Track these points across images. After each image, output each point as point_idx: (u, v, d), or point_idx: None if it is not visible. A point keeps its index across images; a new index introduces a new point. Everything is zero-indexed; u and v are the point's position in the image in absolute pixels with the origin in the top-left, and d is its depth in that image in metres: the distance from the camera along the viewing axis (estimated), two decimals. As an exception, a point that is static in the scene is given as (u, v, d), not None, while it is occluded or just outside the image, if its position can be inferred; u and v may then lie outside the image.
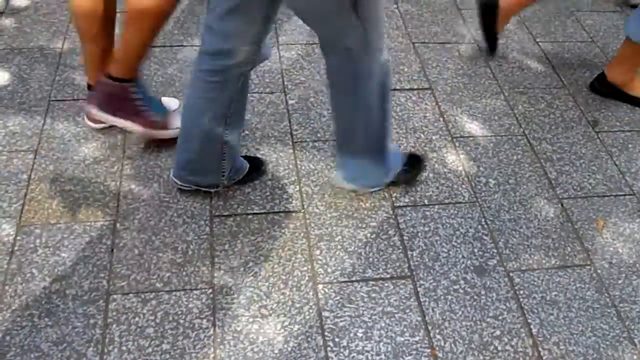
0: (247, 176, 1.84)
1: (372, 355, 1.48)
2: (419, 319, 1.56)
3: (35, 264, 1.60)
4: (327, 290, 1.60)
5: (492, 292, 1.64)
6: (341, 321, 1.54)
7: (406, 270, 1.67)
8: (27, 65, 2.23)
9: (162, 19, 1.64)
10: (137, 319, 1.50)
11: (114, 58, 1.76)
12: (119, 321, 1.50)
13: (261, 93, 2.19)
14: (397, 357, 1.48)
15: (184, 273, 1.61)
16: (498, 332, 1.55)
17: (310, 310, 1.56)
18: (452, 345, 1.51)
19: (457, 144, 2.07)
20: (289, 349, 1.47)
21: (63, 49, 2.31)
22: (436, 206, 1.85)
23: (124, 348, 1.44)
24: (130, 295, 1.55)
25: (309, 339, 1.50)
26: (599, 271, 1.72)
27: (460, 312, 1.59)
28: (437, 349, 1.50)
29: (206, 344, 1.47)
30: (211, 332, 1.49)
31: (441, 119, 2.16)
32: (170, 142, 1.87)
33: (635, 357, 1.53)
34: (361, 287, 1.62)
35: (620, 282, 1.70)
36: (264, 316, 1.53)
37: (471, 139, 2.10)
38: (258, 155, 1.94)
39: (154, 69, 2.25)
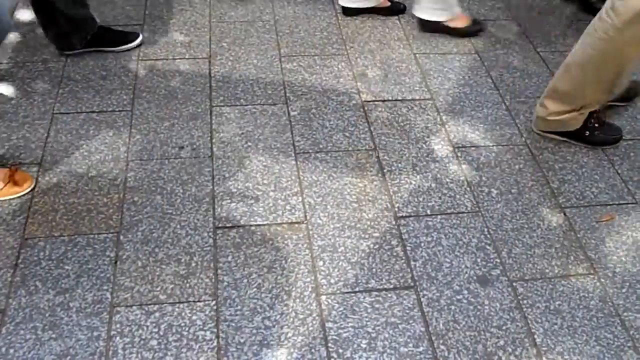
0: None
1: (376, 366, 1.48)
2: (423, 329, 1.56)
3: (39, 277, 1.60)
4: (330, 301, 1.60)
5: (496, 302, 1.64)
6: (345, 332, 1.54)
7: (409, 280, 1.67)
8: (31, 79, 2.25)
9: None
10: (140, 331, 1.51)
11: None
12: (122, 333, 1.50)
13: (263, 104, 2.20)
14: (401, 368, 1.47)
15: (188, 285, 1.61)
16: (502, 342, 1.55)
17: (314, 322, 1.56)
18: (456, 355, 1.51)
19: (458, 154, 2.07)
20: (293, 360, 1.47)
21: (66, 63, 2.33)
22: (439, 216, 1.85)
23: (127, 360, 1.45)
24: (134, 307, 1.55)
25: (313, 350, 1.50)
26: (602, 280, 1.72)
27: (463, 322, 1.58)
28: (441, 359, 1.50)
29: (210, 356, 1.47)
30: (215, 344, 1.49)
31: (443, 129, 2.17)
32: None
33: (640, 366, 1.53)
34: (364, 297, 1.62)
35: (624, 290, 1.69)
36: (268, 327, 1.53)
37: (473, 148, 2.10)
38: None
39: (156, 81, 2.27)
